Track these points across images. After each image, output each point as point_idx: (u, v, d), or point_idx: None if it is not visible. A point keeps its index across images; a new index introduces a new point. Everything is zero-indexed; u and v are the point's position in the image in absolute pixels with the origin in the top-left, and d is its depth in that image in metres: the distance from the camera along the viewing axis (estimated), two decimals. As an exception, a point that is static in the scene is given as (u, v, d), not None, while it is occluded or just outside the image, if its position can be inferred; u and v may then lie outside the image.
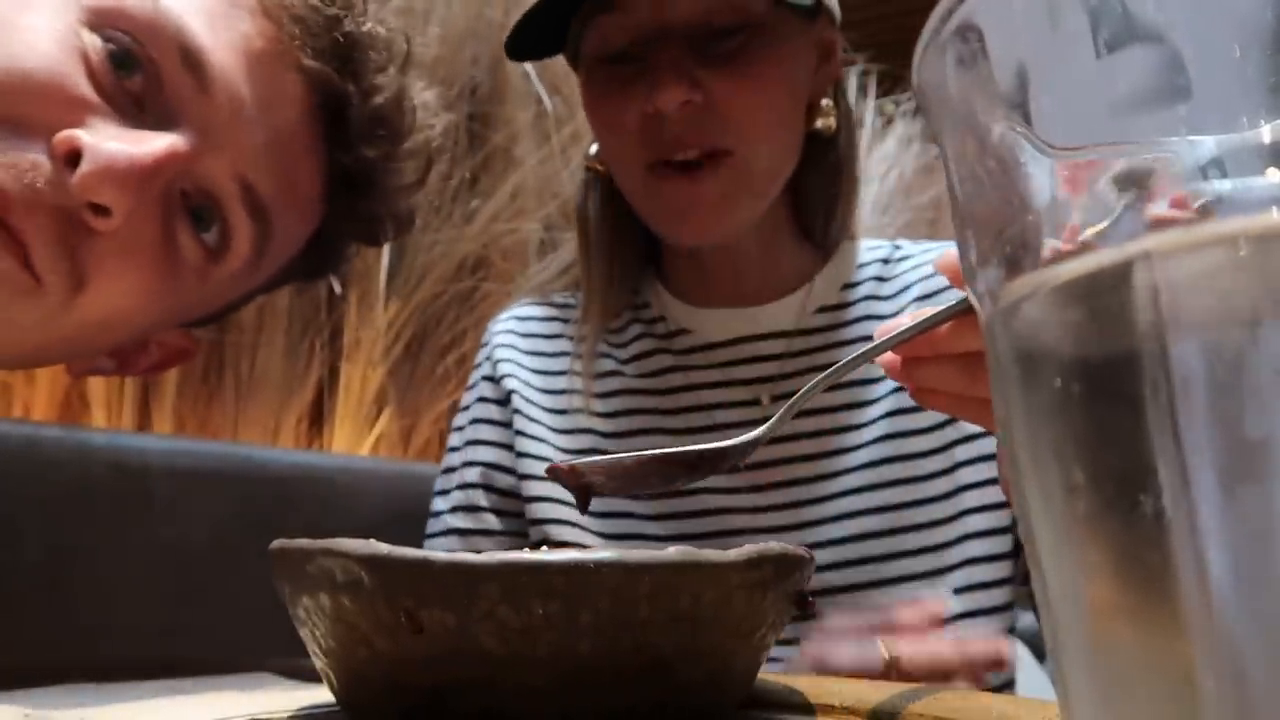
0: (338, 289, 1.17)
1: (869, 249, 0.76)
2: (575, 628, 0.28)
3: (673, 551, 0.29)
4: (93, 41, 0.48)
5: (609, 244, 0.76)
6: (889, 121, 1.67)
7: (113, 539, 0.82)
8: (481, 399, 0.78)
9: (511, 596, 0.28)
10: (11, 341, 0.50)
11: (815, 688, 0.37)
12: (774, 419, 0.40)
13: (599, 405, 0.75)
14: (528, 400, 0.76)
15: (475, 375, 0.80)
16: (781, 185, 0.70)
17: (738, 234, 0.69)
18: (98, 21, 0.49)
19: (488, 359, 0.79)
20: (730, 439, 0.70)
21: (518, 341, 0.79)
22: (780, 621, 0.34)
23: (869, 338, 0.69)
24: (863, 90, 1.60)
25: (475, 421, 0.78)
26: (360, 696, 0.32)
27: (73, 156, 0.46)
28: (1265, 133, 0.15)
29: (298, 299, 1.15)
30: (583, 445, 0.74)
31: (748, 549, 0.31)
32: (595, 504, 0.70)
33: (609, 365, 0.76)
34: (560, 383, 0.76)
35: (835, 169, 0.73)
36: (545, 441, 0.74)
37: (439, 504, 0.77)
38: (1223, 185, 0.15)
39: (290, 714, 0.36)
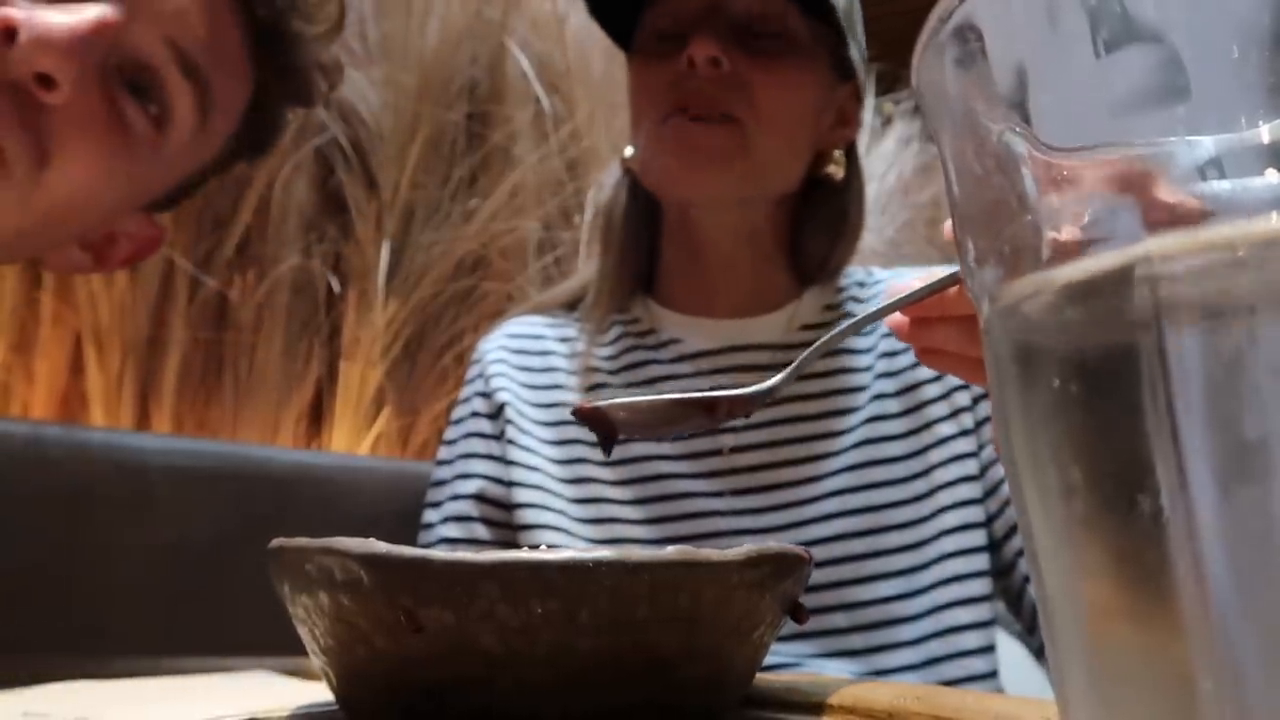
0: (336, 288, 1.17)
1: (846, 276, 0.82)
2: (574, 626, 0.28)
3: (672, 551, 0.29)
4: None
5: (623, 238, 0.81)
6: (888, 121, 1.67)
7: (112, 538, 0.82)
8: (474, 414, 0.79)
9: (510, 595, 0.28)
10: None
11: (815, 687, 0.37)
12: (788, 370, 0.42)
13: None
14: (520, 413, 0.77)
15: (467, 390, 0.82)
16: (774, 194, 0.76)
17: (720, 201, 0.74)
18: None
19: (480, 375, 0.81)
20: (722, 434, 0.72)
21: (509, 357, 0.81)
22: (779, 621, 0.34)
23: (846, 351, 0.75)
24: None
25: (468, 436, 0.79)
26: (359, 695, 0.32)
27: (8, 33, 0.48)
28: (1264, 133, 0.15)
29: (296, 298, 1.15)
30: (573, 455, 0.75)
31: (746, 548, 0.31)
32: (583, 510, 0.73)
33: (598, 379, 0.78)
34: (551, 396, 0.78)
35: (840, 217, 0.79)
36: (535, 452, 0.76)
37: (430, 515, 0.79)
38: (1221, 186, 0.15)
39: (289, 713, 0.36)
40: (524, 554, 0.28)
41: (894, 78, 1.61)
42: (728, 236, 0.77)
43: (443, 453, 0.81)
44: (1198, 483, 0.14)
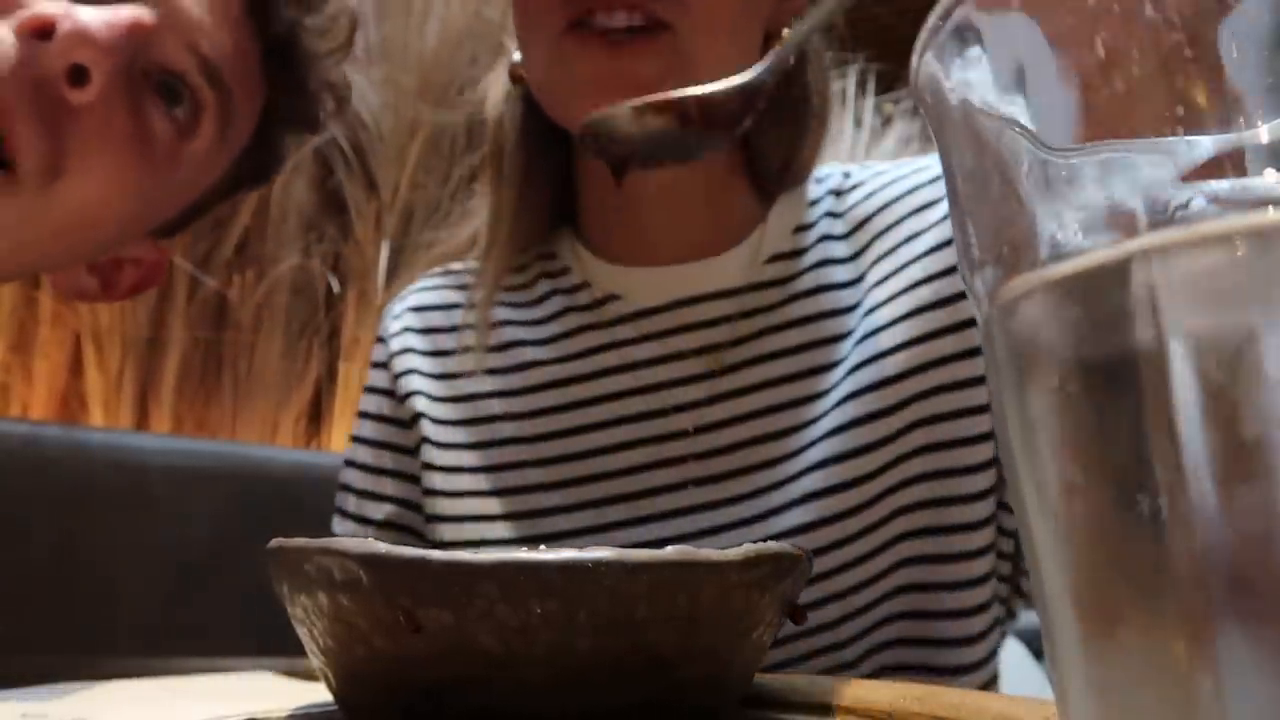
0: (336, 288, 1.17)
1: (817, 181, 0.65)
2: (573, 626, 0.28)
3: (671, 551, 0.29)
4: None
5: (523, 166, 0.64)
6: (888, 121, 1.67)
7: (111, 538, 0.82)
8: (383, 418, 0.67)
9: (509, 595, 0.28)
10: None
11: (815, 687, 0.37)
12: (770, 58, 0.36)
13: (518, 404, 0.62)
14: (436, 420, 0.64)
15: (374, 381, 0.68)
16: None
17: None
18: None
19: (386, 367, 0.67)
20: (682, 413, 0.60)
21: (416, 342, 0.67)
22: (778, 620, 0.34)
23: (825, 287, 0.61)
24: (862, 89, 1.60)
25: (377, 446, 0.66)
26: (358, 695, 0.32)
27: (42, 30, 0.48)
28: (1263, 133, 0.15)
29: (296, 298, 1.15)
30: (504, 459, 0.62)
31: (745, 548, 0.31)
32: (521, 527, 0.60)
33: (527, 355, 0.64)
34: (469, 386, 0.64)
35: (801, 107, 0.62)
36: (459, 469, 0.62)
37: (335, 526, 0.67)
38: (1220, 185, 0.15)
39: (288, 713, 0.36)
40: (523, 554, 0.28)
41: (894, 78, 1.61)
42: (666, 173, 0.59)
43: (349, 452, 0.68)
44: (1197, 482, 0.14)
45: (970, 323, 0.57)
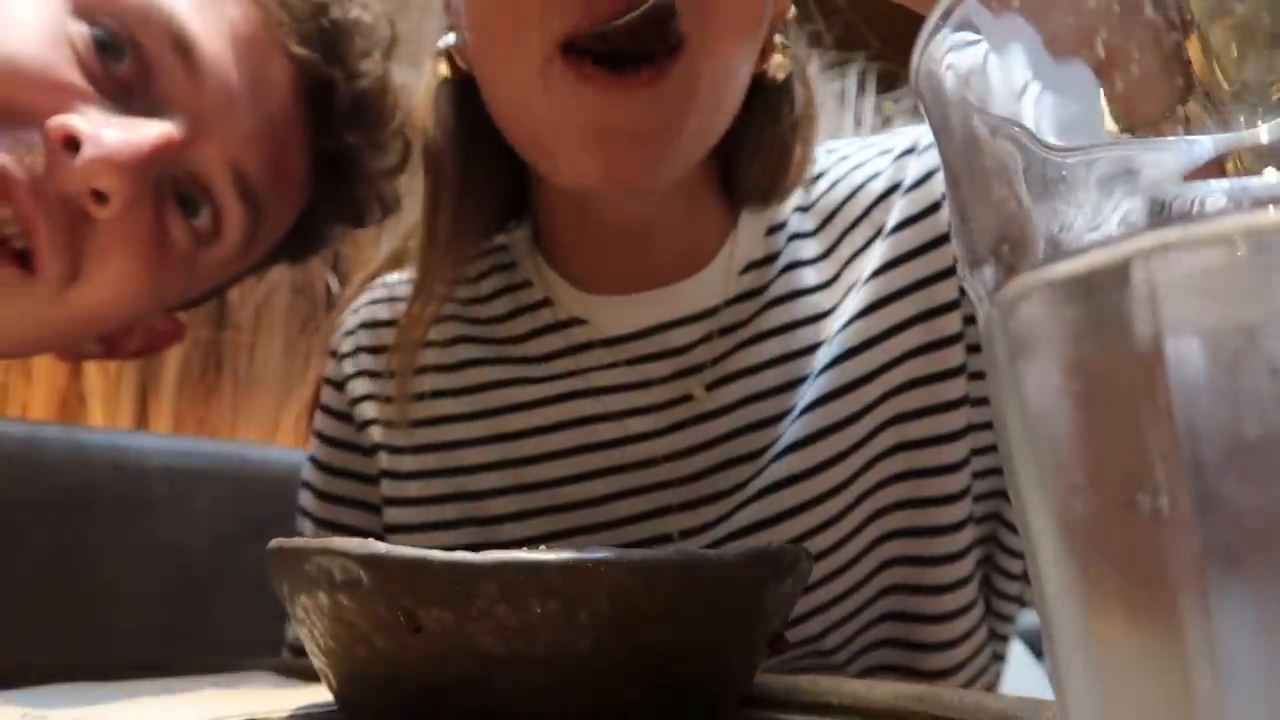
0: (336, 288, 1.17)
1: None
2: (573, 626, 0.28)
3: (671, 550, 0.29)
4: (79, 29, 0.49)
5: (459, 185, 0.57)
6: (888, 121, 1.67)
7: (111, 538, 0.82)
8: (338, 442, 0.63)
9: (510, 595, 0.28)
10: (1, 335, 0.51)
11: (815, 687, 0.37)
12: None
13: (481, 429, 0.58)
14: (396, 451, 0.60)
15: (329, 397, 0.64)
16: (725, 128, 0.52)
17: (669, 179, 0.51)
18: (86, 9, 0.49)
19: (340, 388, 0.63)
20: (660, 438, 0.57)
21: (369, 362, 0.62)
22: (780, 619, 0.34)
23: (797, 293, 0.57)
24: (861, 88, 1.60)
25: (333, 472, 0.63)
26: (358, 695, 0.32)
27: (70, 143, 0.47)
28: (1263, 133, 0.15)
29: (296, 297, 1.15)
30: (468, 488, 0.58)
31: (747, 547, 0.31)
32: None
33: (488, 375, 0.59)
34: (430, 409, 0.59)
35: (788, 137, 0.57)
36: (423, 502, 0.59)
37: None
38: (1220, 185, 0.15)
39: (289, 713, 0.36)
40: (523, 554, 0.28)
41: (894, 77, 1.61)
42: (641, 203, 0.55)
43: (305, 474, 0.64)
44: (1197, 482, 0.14)
45: (940, 310, 0.54)
